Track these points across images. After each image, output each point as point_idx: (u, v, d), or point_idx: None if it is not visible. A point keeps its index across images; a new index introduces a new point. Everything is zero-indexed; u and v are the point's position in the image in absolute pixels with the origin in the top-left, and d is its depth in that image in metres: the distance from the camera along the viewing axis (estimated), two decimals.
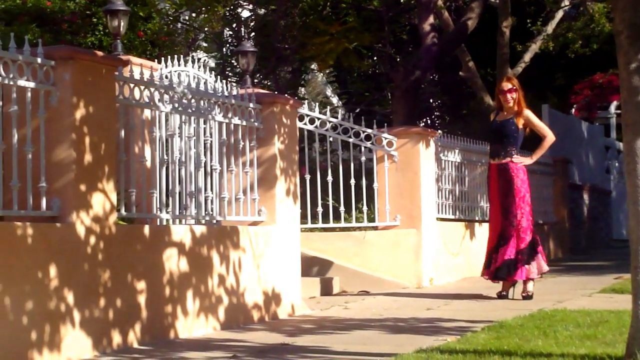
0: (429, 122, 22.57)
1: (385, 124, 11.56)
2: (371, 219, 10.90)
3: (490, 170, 9.41)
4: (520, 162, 9.25)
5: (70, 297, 5.64)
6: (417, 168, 10.82)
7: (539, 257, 9.24)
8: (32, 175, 5.64)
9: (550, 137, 9.46)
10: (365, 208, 10.78)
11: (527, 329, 6.40)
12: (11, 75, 5.49)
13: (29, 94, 5.66)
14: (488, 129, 9.48)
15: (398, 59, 20.51)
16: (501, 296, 9.23)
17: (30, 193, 5.63)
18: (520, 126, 9.27)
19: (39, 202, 5.68)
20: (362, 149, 10.94)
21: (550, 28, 18.75)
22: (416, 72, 15.18)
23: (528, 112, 9.34)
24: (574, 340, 5.85)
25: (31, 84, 5.64)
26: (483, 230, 12.97)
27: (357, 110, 19.35)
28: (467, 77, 18.33)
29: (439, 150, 11.67)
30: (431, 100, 23.08)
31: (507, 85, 9.39)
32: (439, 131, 12.42)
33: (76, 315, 5.68)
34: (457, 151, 12.30)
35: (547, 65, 21.40)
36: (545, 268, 9.35)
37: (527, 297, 9.05)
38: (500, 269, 9.11)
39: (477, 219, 12.70)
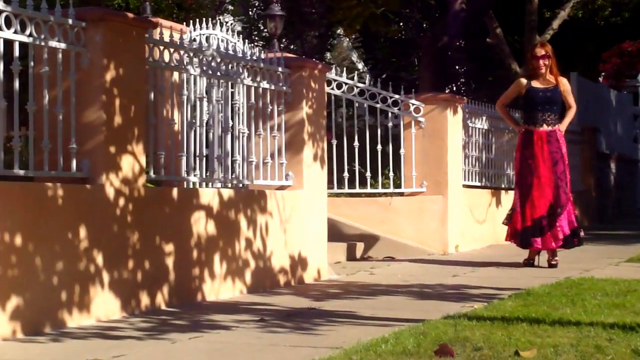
0: (454, 88, 22.46)
1: (413, 90, 11.49)
2: (397, 185, 10.88)
3: (534, 137, 9.11)
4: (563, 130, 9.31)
5: (99, 258, 5.67)
6: (444, 134, 10.78)
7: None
8: (62, 137, 5.67)
9: (574, 108, 9.40)
10: (391, 174, 10.77)
11: (554, 297, 6.38)
12: (42, 36, 5.49)
13: (60, 55, 5.66)
14: (527, 96, 9.21)
15: (425, 25, 20.38)
16: (528, 264, 9.21)
17: (60, 154, 5.65)
18: (560, 91, 9.25)
19: (69, 163, 5.70)
20: (389, 114, 10.90)
21: None
22: (444, 38, 15.08)
23: (565, 81, 9.37)
24: (603, 309, 5.83)
25: (62, 45, 5.64)
26: (509, 198, 12.92)
27: (384, 76, 19.28)
28: (494, 44, 18.18)
29: (467, 117, 11.62)
30: (457, 67, 22.94)
31: (540, 52, 9.28)
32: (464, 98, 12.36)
33: (105, 277, 5.71)
34: (484, 118, 12.24)
35: (576, 33, 21.19)
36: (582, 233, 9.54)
37: (554, 265, 9.03)
38: (568, 237, 9.09)
39: (503, 186, 12.66)
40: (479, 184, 12.03)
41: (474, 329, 5.08)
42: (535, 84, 9.21)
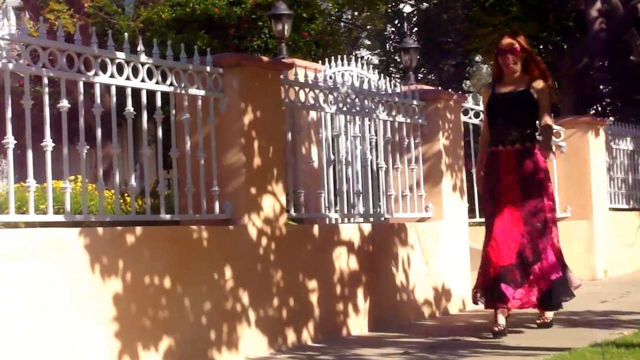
0: (599, 109, 22.01)
1: (552, 114, 11.35)
2: None
3: (500, 159, 6.58)
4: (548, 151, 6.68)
5: (245, 297, 5.81)
6: (586, 158, 10.60)
7: (567, 270, 6.88)
8: (204, 180, 5.85)
9: (550, 124, 6.73)
10: None
11: None
12: (182, 85, 5.71)
13: (199, 102, 5.87)
14: (488, 105, 6.76)
15: (565, 47, 20.07)
16: (494, 332, 6.33)
17: (203, 197, 5.84)
18: (536, 98, 6.62)
19: (212, 205, 5.88)
20: None
21: None
22: (584, 59, 14.86)
23: (541, 82, 6.66)
24: None
25: (201, 92, 5.85)
26: None
27: None
28: (638, 61, 17.78)
29: (610, 139, 11.39)
30: (601, 87, 22.49)
31: (507, 43, 6.65)
32: (610, 118, 12.11)
33: (251, 315, 5.85)
34: (629, 139, 11.97)
35: None
36: (577, 282, 6.91)
37: (545, 324, 6.63)
38: (548, 294, 6.55)
39: None
40: (626, 207, 11.74)
41: (623, 357, 4.99)
42: (500, 88, 6.71)
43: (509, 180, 6.51)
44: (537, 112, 6.63)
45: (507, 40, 6.66)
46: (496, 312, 6.42)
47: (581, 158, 10.59)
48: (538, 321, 6.64)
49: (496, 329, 6.30)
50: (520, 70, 6.66)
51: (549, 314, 6.66)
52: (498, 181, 6.56)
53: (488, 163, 6.67)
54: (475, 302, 6.77)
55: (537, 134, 6.77)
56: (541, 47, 20.84)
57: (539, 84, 6.61)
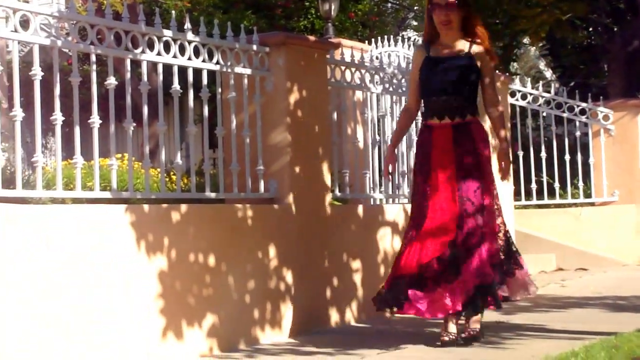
0: None
1: (601, 97, 11.23)
2: (587, 195, 10.64)
3: (434, 135, 5.46)
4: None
5: (288, 276, 5.82)
6: (635, 141, 10.49)
7: (522, 271, 5.65)
8: (250, 159, 5.86)
9: (498, 103, 5.71)
10: (581, 184, 10.55)
11: None
12: (229, 63, 5.71)
13: (245, 81, 5.87)
14: (422, 71, 5.53)
15: (615, 29, 19.82)
16: (448, 342, 5.27)
17: (248, 176, 5.85)
18: (478, 64, 5.51)
19: (257, 184, 5.89)
20: (577, 123, 10.69)
21: None
22: (634, 41, 14.67)
23: (481, 47, 5.50)
24: None
25: (247, 71, 5.85)
26: None
27: (572, 84, 18.89)
28: None
29: None
30: None
31: None
32: None
33: (295, 294, 5.86)
34: None
35: None
36: (533, 289, 5.68)
37: (472, 338, 5.35)
38: (476, 295, 5.29)
39: None
40: None
41: None
42: (436, 51, 5.53)
43: (443, 159, 5.40)
44: (479, 81, 5.54)
45: None
46: (447, 318, 5.32)
47: (630, 141, 10.48)
48: (469, 331, 5.37)
49: (446, 338, 5.28)
50: (459, 30, 5.51)
51: (475, 324, 5.41)
52: (431, 160, 5.43)
53: (419, 139, 5.60)
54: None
55: (474, 103, 5.58)
56: (590, 29, 20.60)
57: (480, 47, 5.48)
